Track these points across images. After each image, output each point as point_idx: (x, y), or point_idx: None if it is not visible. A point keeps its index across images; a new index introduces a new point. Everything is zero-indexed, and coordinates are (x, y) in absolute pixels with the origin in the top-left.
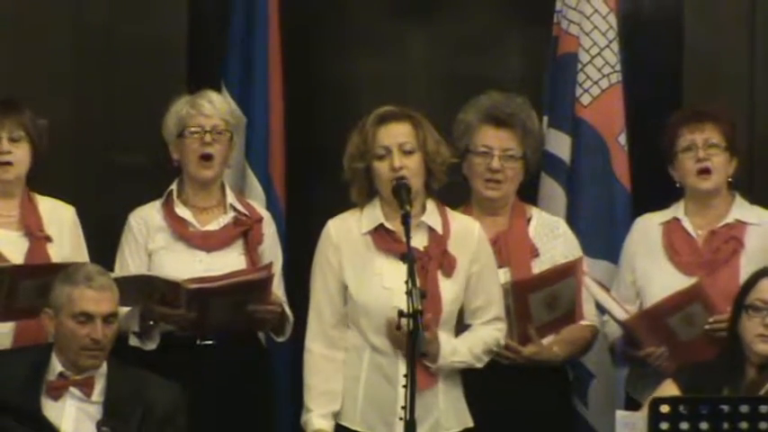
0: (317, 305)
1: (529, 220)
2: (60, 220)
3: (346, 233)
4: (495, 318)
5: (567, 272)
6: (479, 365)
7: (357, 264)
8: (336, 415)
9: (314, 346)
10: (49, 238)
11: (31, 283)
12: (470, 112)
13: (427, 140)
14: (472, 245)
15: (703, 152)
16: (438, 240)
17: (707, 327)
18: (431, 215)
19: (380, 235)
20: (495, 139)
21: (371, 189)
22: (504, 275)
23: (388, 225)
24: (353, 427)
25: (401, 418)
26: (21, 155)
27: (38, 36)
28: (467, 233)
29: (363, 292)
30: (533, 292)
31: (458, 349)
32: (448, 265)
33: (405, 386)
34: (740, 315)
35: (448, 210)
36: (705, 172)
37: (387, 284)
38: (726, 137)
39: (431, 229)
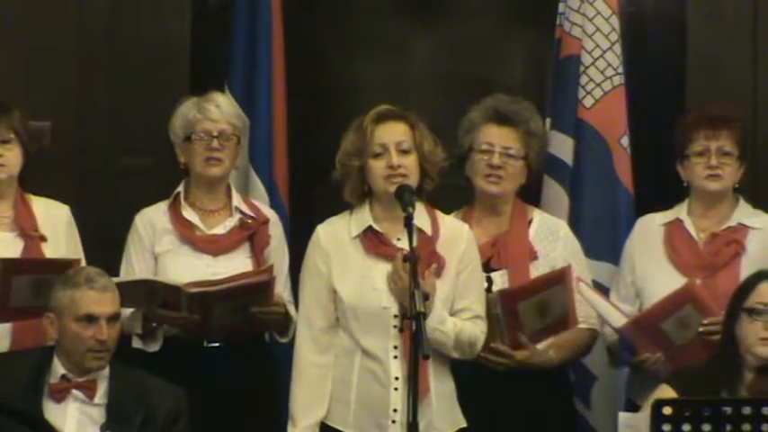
0: (305, 310)
1: (530, 223)
2: (55, 219)
3: (335, 238)
4: (476, 315)
5: (556, 280)
6: (454, 355)
7: (346, 267)
8: (323, 423)
9: (303, 353)
10: (43, 238)
11: (24, 280)
12: (475, 112)
13: (424, 141)
14: (461, 245)
15: (716, 160)
16: (426, 241)
17: (701, 329)
18: (420, 217)
19: (369, 237)
20: (496, 137)
21: (364, 188)
22: (501, 278)
23: (376, 227)
24: (346, 431)
25: (393, 421)
26: (11, 156)
27: (41, 38)
28: (456, 234)
29: (353, 295)
30: (522, 301)
31: (446, 321)
32: (437, 266)
33: (396, 389)
34: (737, 318)
35: (437, 212)
36: (714, 176)
37: (376, 286)
38: (738, 144)
39: (420, 231)
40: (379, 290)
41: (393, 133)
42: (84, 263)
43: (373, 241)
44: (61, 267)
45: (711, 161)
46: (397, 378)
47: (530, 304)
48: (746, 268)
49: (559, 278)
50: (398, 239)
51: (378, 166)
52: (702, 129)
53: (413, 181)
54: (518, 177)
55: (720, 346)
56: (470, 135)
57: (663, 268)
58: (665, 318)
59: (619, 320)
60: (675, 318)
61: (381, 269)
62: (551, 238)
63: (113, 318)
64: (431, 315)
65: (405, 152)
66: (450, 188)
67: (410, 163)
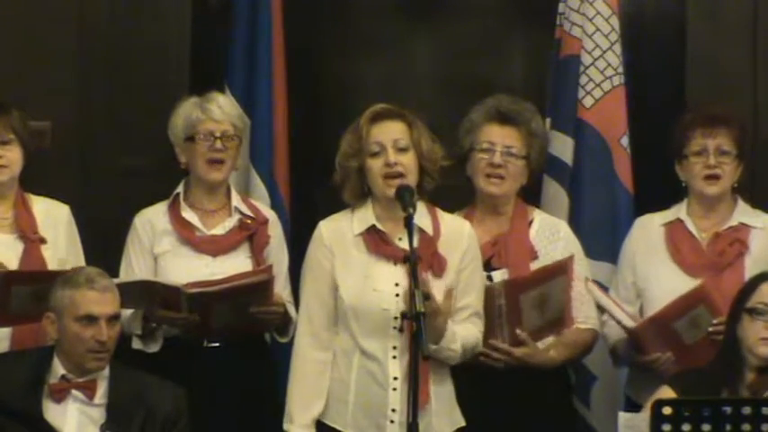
0: (307, 306)
1: (531, 223)
2: (55, 219)
3: (338, 234)
4: (475, 312)
5: (558, 271)
6: (453, 362)
7: (348, 265)
8: (321, 421)
9: (302, 349)
10: (43, 240)
11: (24, 289)
12: (476, 112)
13: (421, 139)
14: (462, 244)
15: (714, 159)
16: (428, 241)
17: (711, 329)
18: (421, 216)
19: (372, 237)
20: (498, 136)
21: (363, 189)
22: (501, 277)
23: (379, 226)
24: (344, 430)
25: (392, 421)
26: (12, 157)
27: (41, 38)
28: (457, 233)
29: (353, 295)
30: (524, 293)
31: (456, 338)
32: (438, 266)
33: (395, 389)
34: (740, 319)
35: (438, 210)
36: (713, 178)
37: (377, 287)
38: (737, 143)
39: (421, 230)
40: (379, 291)
41: (390, 131)
42: (83, 263)
43: (375, 240)
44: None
45: (710, 160)
46: (395, 378)
47: (531, 297)
48: (750, 267)
49: (560, 270)
50: (400, 239)
51: (375, 166)
52: (700, 128)
53: (411, 179)
54: (519, 177)
55: (722, 346)
56: (471, 135)
57: (666, 269)
58: (679, 318)
59: (630, 321)
60: (688, 318)
61: (382, 269)
62: (552, 238)
63: (113, 318)
64: (445, 336)
65: (402, 150)
66: (451, 188)
67: (408, 161)
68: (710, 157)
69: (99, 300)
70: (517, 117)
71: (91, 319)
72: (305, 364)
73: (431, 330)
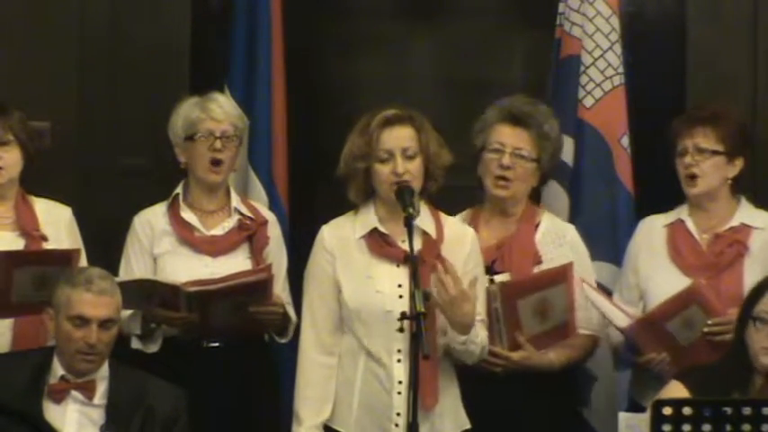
0: (311, 311)
1: (537, 226)
2: (57, 219)
3: (340, 238)
4: (482, 319)
5: (557, 277)
6: (470, 361)
7: (351, 268)
8: (325, 424)
9: (308, 353)
10: (44, 237)
11: (25, 273)
12: (490, 112)
13: (429, 144)
14: (465, 249)
15: (690, 158)
16: (431, 245)
17: (706, 329)
18: (424, 219)
19: (374, 239)
20: (508, 137)
21: (368, 188)
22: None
23: (382, 229)
24: None
25: (396, 425)
26: (10, 158)
27: (41, 39)
28: (460, 238)
29: (356, 297)
30: (522, 298)
31: (477, 331)
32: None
33: (399, 393)
34: (747, 324)
35: (441, 214)
36: (691, 177)
37: (380, 288)
38: (721, 140)
39: (424, 233)
40: (382, 293)
41: (399, 138)
42: (84, 257)
43: (378, 242)
44: (61, 258)
45: (686, 159)
46: (400, 382)
47: (530, 303)
48: (749, 268)
49: (559, 277)
50: (403, 241)
51: (383, 172)
52: (680, 129)
53: (417, 184)
54: (528, 179)
55: (732, 348)
56: (483, 134)
57: (666, 269)
58: (671, 318)
59: (623, 321)
60: (681, 318)
61: (385, 271)
62: (557, 243)
63: (107, 322)
64: (473, 330)
65: (410, 157)
66: (457, 189)
67: (415, 168)
68: (687, 156)
69: (93, 302)
70: (528, 119)
71: (82, 321)
72: (312, 368)
73: (460, 318)
